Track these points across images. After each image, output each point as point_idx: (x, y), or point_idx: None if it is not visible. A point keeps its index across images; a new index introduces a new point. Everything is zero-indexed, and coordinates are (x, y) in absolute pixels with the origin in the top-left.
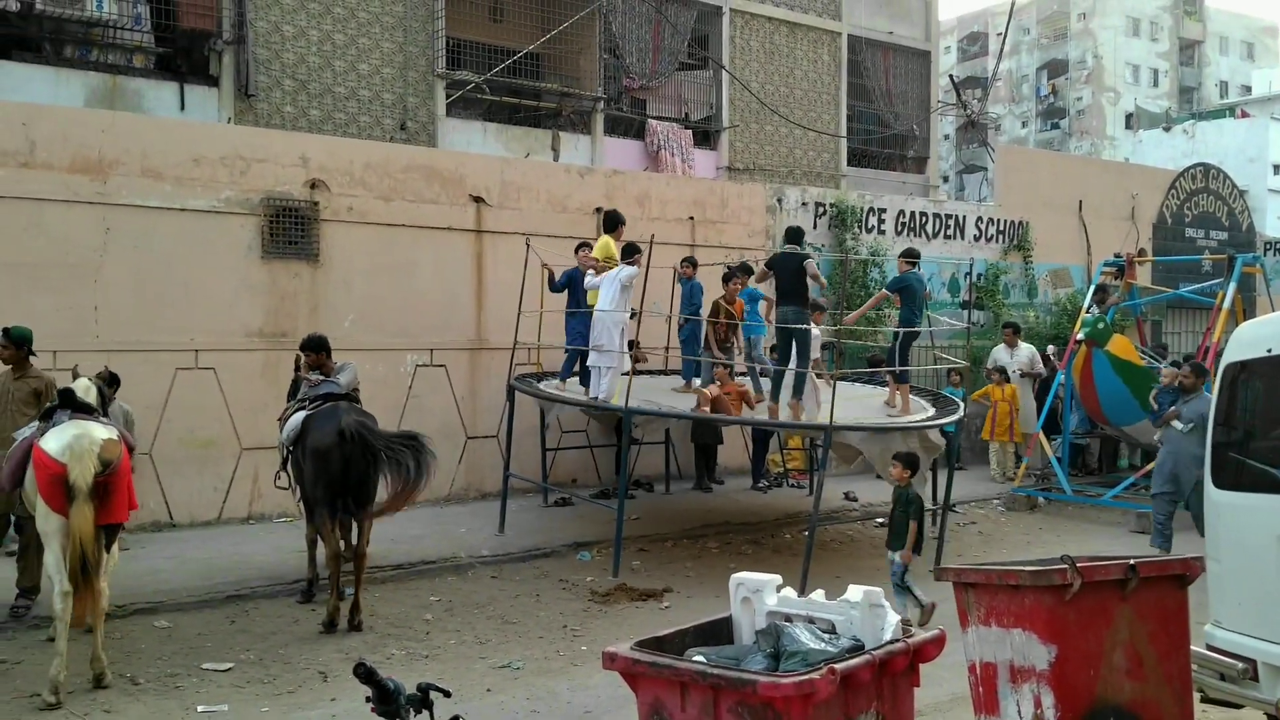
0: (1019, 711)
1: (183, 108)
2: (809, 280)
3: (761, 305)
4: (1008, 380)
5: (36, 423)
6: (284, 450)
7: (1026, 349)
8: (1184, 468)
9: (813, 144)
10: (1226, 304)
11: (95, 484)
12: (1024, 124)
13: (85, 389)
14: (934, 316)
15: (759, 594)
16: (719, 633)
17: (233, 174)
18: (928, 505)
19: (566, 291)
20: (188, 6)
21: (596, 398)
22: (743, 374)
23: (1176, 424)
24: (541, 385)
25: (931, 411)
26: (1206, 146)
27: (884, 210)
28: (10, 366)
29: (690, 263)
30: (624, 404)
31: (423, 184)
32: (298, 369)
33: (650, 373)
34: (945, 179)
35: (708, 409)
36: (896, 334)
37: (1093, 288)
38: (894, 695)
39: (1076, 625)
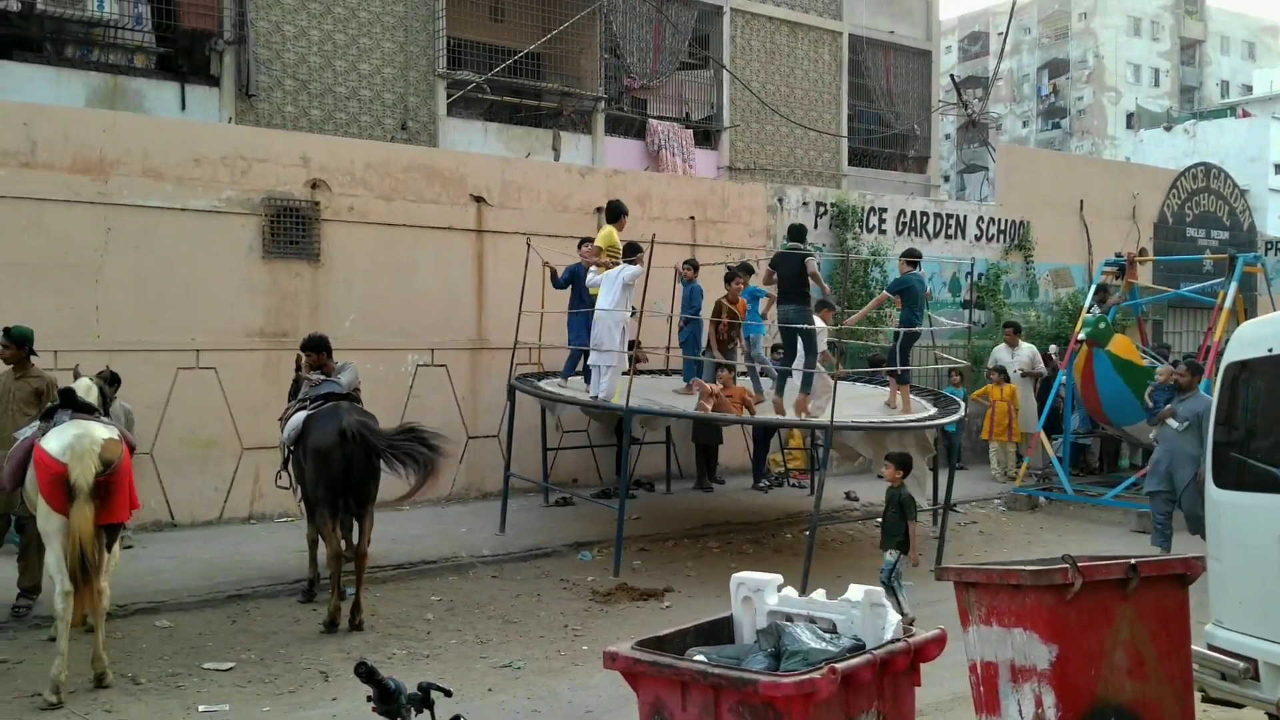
0: (1020, 711)
1: (184, 108)
2: (809, 280)
3: (762, 302)
4: (1007, 380)
5: (37, 423)
6: (285, 450)
7: (1027, 349)
8: (1179, 466)
9: (814, 144)
10: (1227, 303)
11: (96, 484)
12: (1025, 124)
13: (86, 389)
14: (935, 316)
15: (760, 593)
16: (720, 632)
17: (234, 174)
18: (929, 505)
19: (570, 288)
20: (189, 6)
21: (597, 397)
22: (743, 374)
23: (1172, 422)
24: (543, 384)
25: (932, 411)
26: (1207, 146)
27: (885, 210)
28: (11, 366)
29: (691, 265)
30: (624, 403)
31: (424, 184)
32: (299, 369)
33: (651, 373)
34: (946, 178)
35: (710, 405)
36: (897, 334)
37: (1094, 287)
38: (895, 695)
39: (1077, 625)
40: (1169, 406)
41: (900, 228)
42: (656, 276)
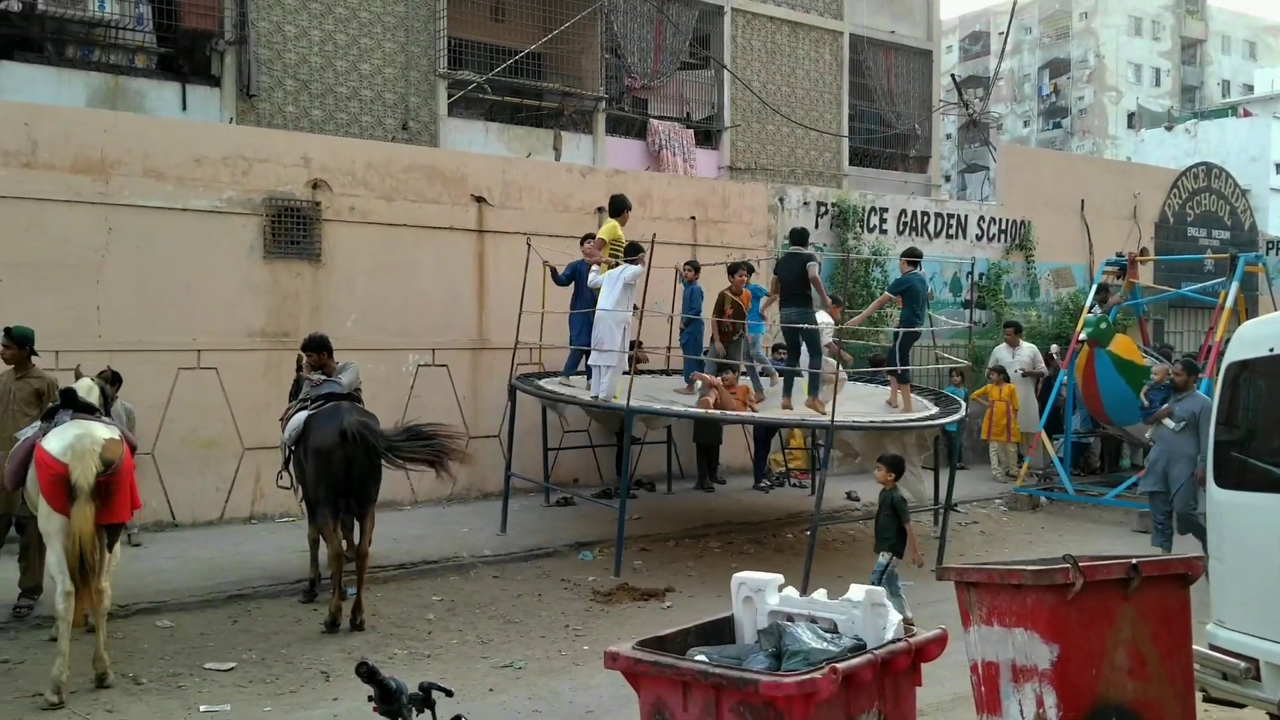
0: (1021, 711)
1: (185, 108)
2: (810, 285)
3: (761, 301)
4: (1007, 380)
5: (39, 423)
6: (286, 450)
7: (1028, 348)
8: (1175, 466)
9: (814, 143)
10: (1229, 303)
11: (97, 484)
12: (1026, 123)
13: (87, 389)
14: (935, 316)
15: (761, 593)
16: (721, 632)
17: (235, 174)
18: (931, 505)
19: (572, 285)
20: (189, 7)
21: (597, 396)
22: (743, 374)
23: (1169, 422)
24: (544, 384)
25: (933, 410)
26: (1208, 146)
27: (886, 210)
28: (12, 367)
29: (693, 266)
30: (625, 403)
31: (424, 184)
32: (299, 369)
33: (652, 373)
34: (947, 178)
35: (712, 399)
36: (897, 334)
37: (1095, 287)
38: (896, 694)
39: (1079, 624)
40: (1165, 406)
41: (901, 228)
42: (657, 277)
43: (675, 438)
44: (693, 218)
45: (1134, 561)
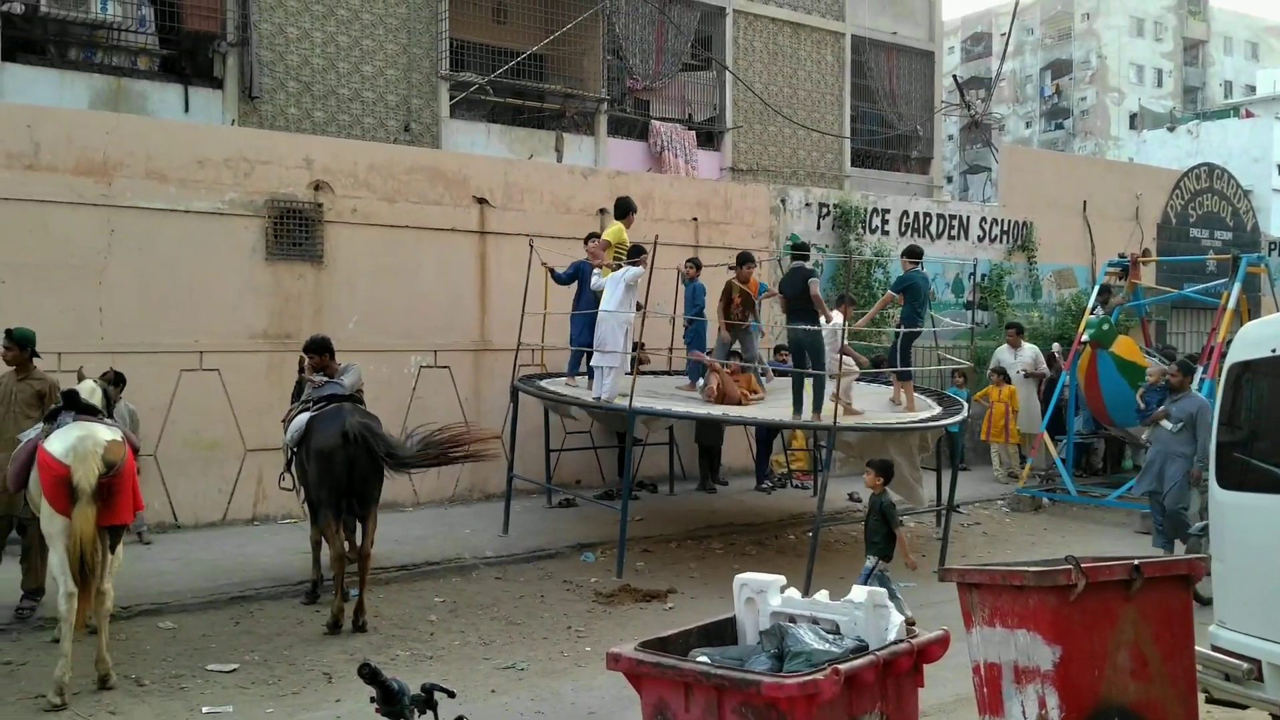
0: (1023, 712)
1: (187, 110)
2: (811, 301)
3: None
4: (1008, 381)
5: (41, 424)
6: (288, 451)
7: (1030, 349)
8: (1171, 465)
9: (816, 145)
10: (1231, 304)
11: (99, 485)
12: (1028, 124)
13: (90, 391)
14: (937, 317)
15: (763, 594)
16: (723, 633)
17: (237, 176)
18: (934, 506)
19: (574, 286)
20: (192, 9)
21: (600, 398)
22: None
23: (1166, 424)
24: (547, 384)
25: (936, 410)
26: (1211, 146)
27: (888, 211)
28: (13, 368)
29: (694, 264)
30: (628, 404)
31: (426, 185)
32: (302, 370)
33: (654, 373)
34: (949, 179)
35: (715, 384)
36: (898, 332)
37: (1097, 288)
38: (898, 696)
39: (1081, 626)
40: (1162, 408)
41: (903, 229)
42: (659, 278)
43: (677, 439)
44: (694, 219)
45: (1136, 562)
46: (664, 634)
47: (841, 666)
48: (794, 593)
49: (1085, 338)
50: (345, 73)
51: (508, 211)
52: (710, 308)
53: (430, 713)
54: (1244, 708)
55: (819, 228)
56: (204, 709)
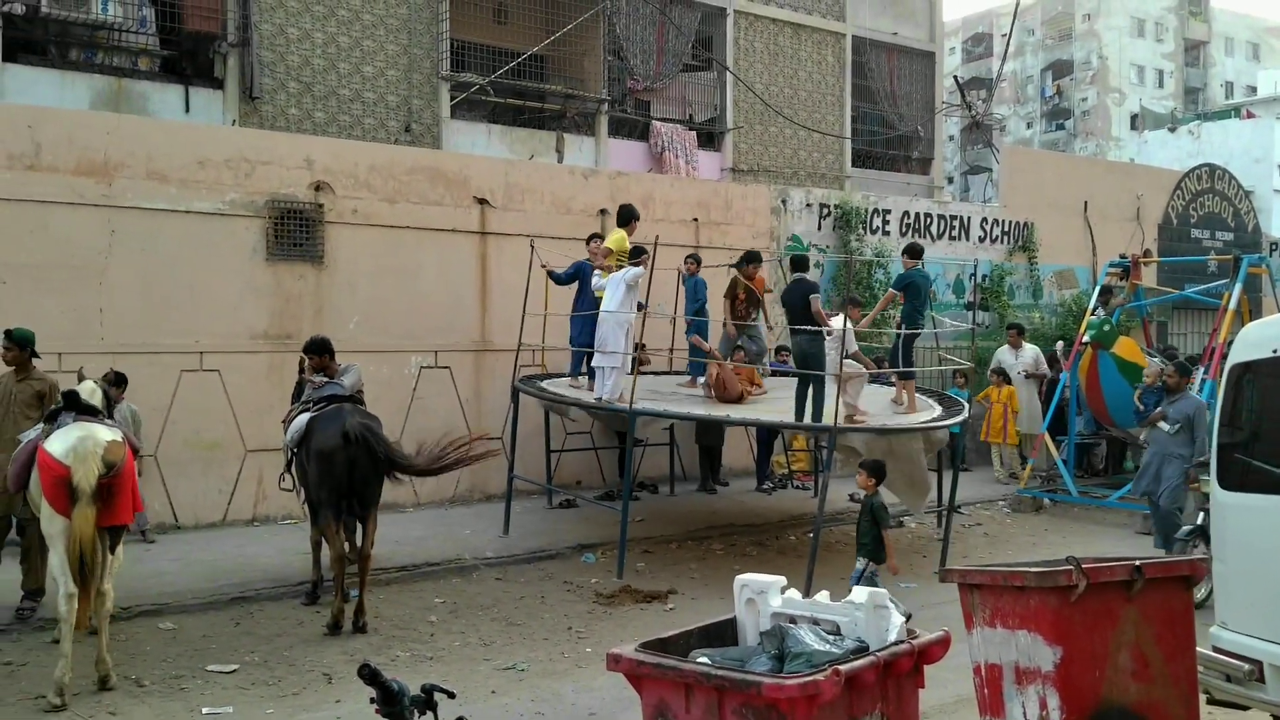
0: (1024, 713)
1: (188, 110)
2: (813, 316)
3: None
4: (1008, 382)
5: (42, 425)
6: (288, 452)
7: (1031, 350)
8: (1167, 466)
9: (817, 145)
10: (1232, 305)
11: (99, 486)
12: (1029, 125)
13: (90, 391)
14: (938, 318)
15: (763, 595)
16: (723, 634)
17: (237, 176)
18: (935, 506)
19: (575, 286)
20: (193, 9)
21: (601, 398)
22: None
23: (1163, 425)
24: (548, 385)
25: (938, 411)
26: (1212, 147)
27: (888, 211)
28: (13, 369)
29: (694, 259)
30: (629, 405)
31: (427, 186)
32: (302, 371)
33: (655, 373)
34: (950, 180)
35: (714, 373)
36: (899, 333)
37: (1098, 289)
38: (899, 697)
39: (1082, 626)
40: (1159, 409)
41: (904, 229)
42: (660, 278)
43: (678, 439)
44: (695, 220)
45: (1137, 563)
46: (664, 635)
47: (842, 667)
48: (794, 593)
49: (1086, 338)
50: (346, 73)
51: (508, 212)
52: (712, 302)
53: (430, 713)
54: (1245, 709)
55: (820, 228)
56: (204, 710)
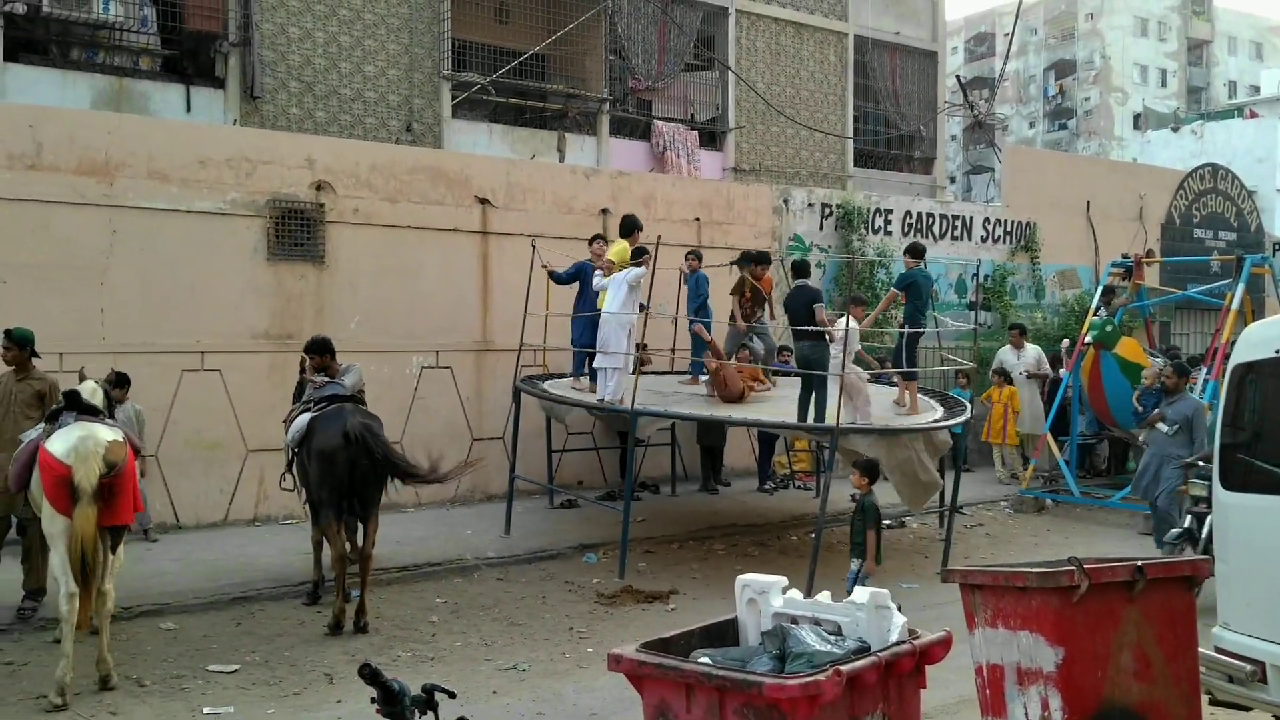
0: (1026, 714)
1: (189, 110)
2: (816, 324)
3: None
4: (1009, 382)
5: (43, 425)
6: (289, 452)
7: (1033, 350)
8: (1166, 467)
9: (819, 145)
10: (1235, 305)
11: (100, 486)
12: (1031, 124)
13: (91, 391)
14: (940, 318)
15: (765, 595)
16: (725, 634)
17: (239, 176)
18: (937, 507)
19: (576, 286)
20: (194, 9)
21: (603, 399)
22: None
23: (1162, 426)
24: (549, 385)
25: (940, 412)
26: (1215, 147)
27: (890, 211)
28: (13, 368)
29: (695, 256)
30: (630, 405)
31: (428, 186)
32: (303, 371)
33: (656, 373)
34: (952, 180)
35: (713, 365)
36: (901, 332)
37: (1100, 289)
38: (900, 697)
39: (1084, 627)
40: (1158, 410)
41: (906, 229)
42: (662, 278)
43: (679, 439)
44: (697, 219)
45: (1139, 564)
46: (666, 635)
47: (843, 667)
48: (796, 594)
49: (1089, 339)
50: (347, 73)
51: (510, 212)
52: (714, 298)
53: (431, 713)
54: (1247, 709)
55: (821, 228)
56: (205, 710)
